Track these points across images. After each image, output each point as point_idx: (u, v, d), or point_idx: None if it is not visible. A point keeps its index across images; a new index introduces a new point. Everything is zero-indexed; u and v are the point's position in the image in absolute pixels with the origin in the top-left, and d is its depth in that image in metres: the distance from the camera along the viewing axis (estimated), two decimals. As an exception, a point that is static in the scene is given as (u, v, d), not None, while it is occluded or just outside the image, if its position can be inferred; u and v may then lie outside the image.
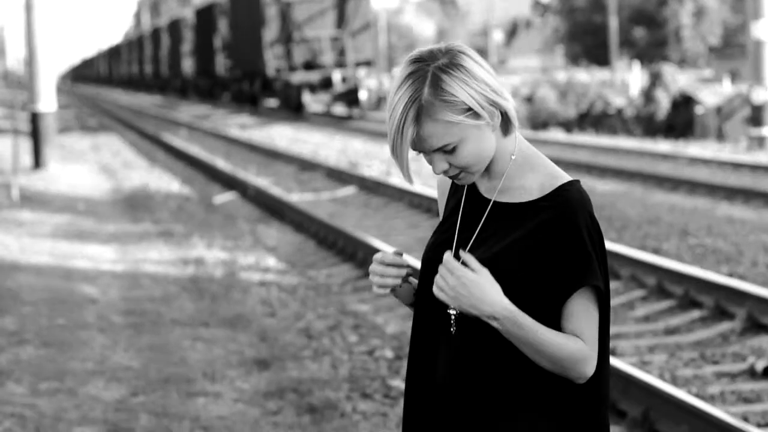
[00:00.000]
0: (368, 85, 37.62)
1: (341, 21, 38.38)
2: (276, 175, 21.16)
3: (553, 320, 2.64)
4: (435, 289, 2.59)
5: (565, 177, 2.70)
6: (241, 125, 36.88)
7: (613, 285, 10.36)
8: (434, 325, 2.72)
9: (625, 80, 36.71)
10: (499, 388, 2.64)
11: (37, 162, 21.78)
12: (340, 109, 40.23)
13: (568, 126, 32.15)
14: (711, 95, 29.67)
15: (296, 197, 17.27)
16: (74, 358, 8.09)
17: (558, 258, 2.62)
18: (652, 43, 66.23)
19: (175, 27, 61.44)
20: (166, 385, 7.40)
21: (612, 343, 8.38)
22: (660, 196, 16.51)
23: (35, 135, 21.72)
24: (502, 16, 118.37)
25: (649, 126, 29.76)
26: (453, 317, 2.67)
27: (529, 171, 2.71)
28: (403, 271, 2.71)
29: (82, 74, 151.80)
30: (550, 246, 2.62)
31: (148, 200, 17.79)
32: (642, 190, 17.40)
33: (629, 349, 8.28)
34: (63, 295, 10.31)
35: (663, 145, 25.30)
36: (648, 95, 30.55)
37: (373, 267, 2.72)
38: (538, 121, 33.11)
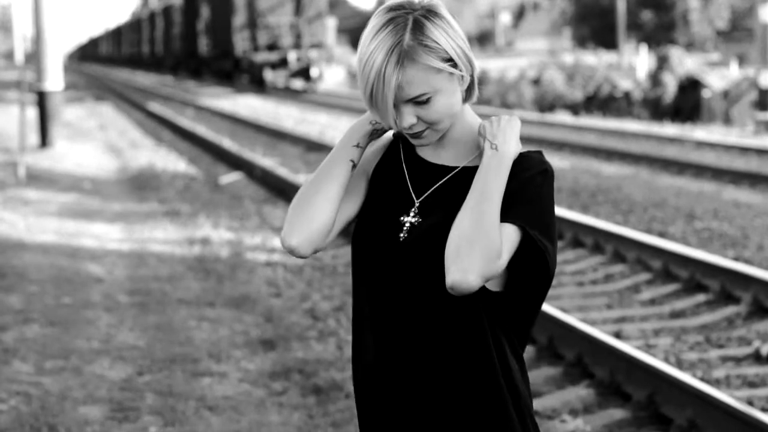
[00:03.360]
0: (320, 63, 45.18)
1: (298, 10, 45.47)
2: (282, 156, 21.15)
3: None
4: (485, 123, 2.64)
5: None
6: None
7: (619, 268, 10.36)
8: (383, 238, 2.67)
9: (633, 63, 36.63)
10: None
11: (44, 141, 21.79)
12: (297, 83, 46.40)
13: (574, 109, 32.10)
14: (718, 79, 29.57)
15: (302, 178, 17.27)
16: (80, 337, 8.11)
17: (506, 196, 2.57)
18: (660, 26, 66.12)
19: (167, 11, 67.21)
20: (171, 365, 7.42)
21: (617, 326, 8.39)
22: (666, 180, 16.50)
23: (42, 114, 21.72)
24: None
25: (655, 109, 29.69)
26: (407, 226, 2.64)
27: None
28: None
29: (89, 53, 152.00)
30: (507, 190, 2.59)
31: (154, 180, 17.79)
32: (648, 173, 17.38)
33: (635, 333, 8.29)
34: (69, 274, 10.33)
35: (669, 129, 25.26)
36: (655, 78, 30.47)
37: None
38: (545, 104, 33.06)
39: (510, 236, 2.55)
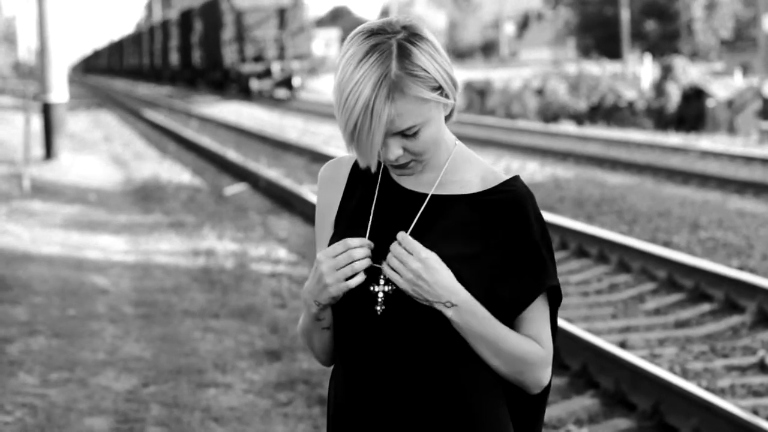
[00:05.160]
0: (302, 73, 50.12)
1: (282, 24, 49.84)
2: (287, 167, 21.17)
3: (504, 322, 2.50)
4: (388, 271, 2.42)
5: (503, 173, 2.55)
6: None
7: (624, 278, 10.36)
8: (359, 310, 2.52)
9: (637, 73, 36.62)
10: (434, 371, 2.49)
11: (49, 152, 21.80)
12: (281, 92, 50.49)
13: (579, 119, 32.10)
14: (722, 88, 29.55)
15: (307, 188, 17.29)
16: (85, 349, 8.12)
17: (513, 261, 2.47)
18: (664, 36, 66.17)
19: (165, 25, 72.38)
20: (177, 376, 7.42)
21: (622, 336, 8.39)
22: (671, 189, 16.50)
23: (47, 126, 21.74)
24: (514, 8, 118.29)
25: (660, 119, 29.69)
26: (381, 296, 2.47)
27: (466, 163, 2.56)
28: (368, 251, 2.47)
29: (93, 65, 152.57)
30: (503, 245, 2.48)
31: (159, 191, 17.81)
32: (653, 183, 17.38)
33: (639, 342, 8.29)
34: (74, 286, 10.34)
35: (674, 138, 25.27)
36: (659, 88, 30.47)
37: (334, 261, 2.45)
38: (549, 114, 33.07)
39: (541, 317, 2.51)
